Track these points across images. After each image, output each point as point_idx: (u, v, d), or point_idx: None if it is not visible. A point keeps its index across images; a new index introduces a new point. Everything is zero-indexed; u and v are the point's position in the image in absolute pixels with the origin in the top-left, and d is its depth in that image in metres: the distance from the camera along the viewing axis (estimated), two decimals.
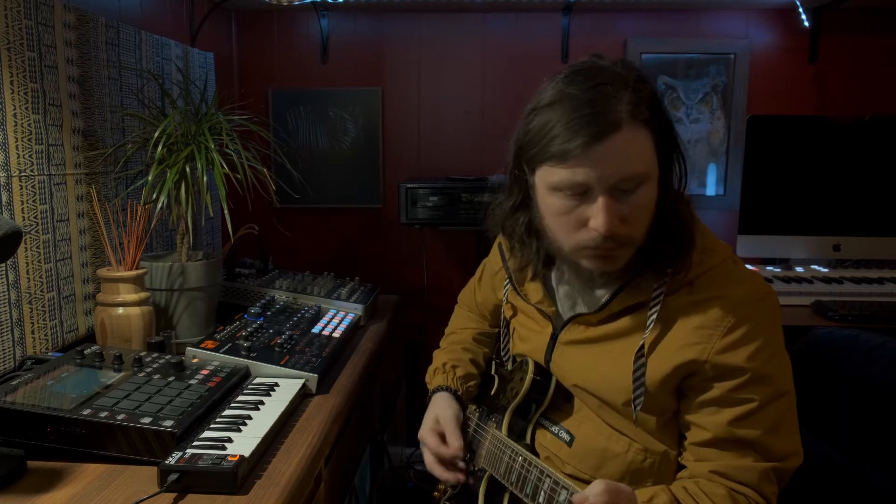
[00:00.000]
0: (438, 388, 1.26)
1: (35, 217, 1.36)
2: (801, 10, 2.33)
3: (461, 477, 1.16)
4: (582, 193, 0.92)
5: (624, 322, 1.02)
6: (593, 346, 1.05)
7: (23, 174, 1.32)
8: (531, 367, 1.13)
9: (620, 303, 1.02)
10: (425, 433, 1.19)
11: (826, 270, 2.29)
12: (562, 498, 0.94)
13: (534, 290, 1.16)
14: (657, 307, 0.98)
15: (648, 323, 0.98)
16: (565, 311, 1.12)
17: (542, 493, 0.99)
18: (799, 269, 2.31)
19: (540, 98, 0.96)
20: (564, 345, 1.09)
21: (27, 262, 1.34)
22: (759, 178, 2.28)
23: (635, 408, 0.98)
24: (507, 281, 1.21)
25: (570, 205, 0.94)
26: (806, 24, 2.38)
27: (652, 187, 0.95)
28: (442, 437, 1.17)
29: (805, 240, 2.31)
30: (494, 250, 1.30)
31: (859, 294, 2.08)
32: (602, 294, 1.05)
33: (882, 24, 2.46)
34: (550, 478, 0.98)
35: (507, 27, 2.53)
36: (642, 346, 0.98)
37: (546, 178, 0.95)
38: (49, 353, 1.37)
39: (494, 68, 2.55)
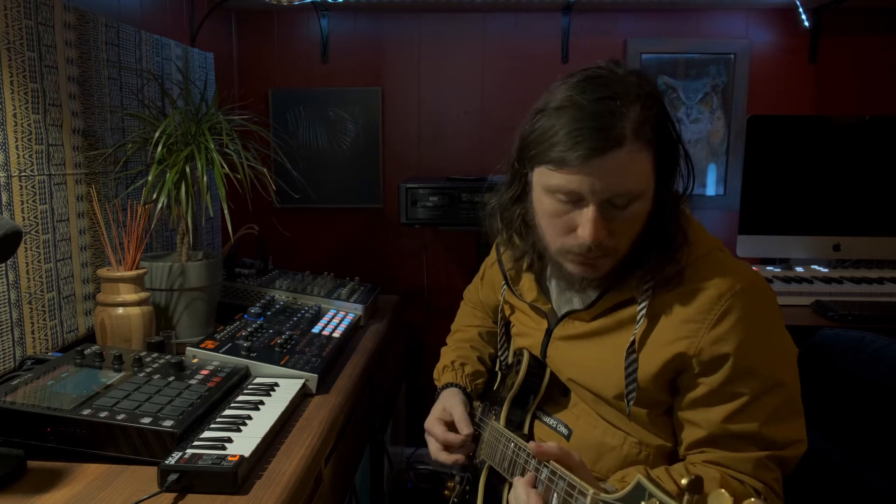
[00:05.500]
0: (448, 385, 1.28)
1: (35, 217, 1.36)
2: (801, 10, 2.32)
3: (465, 459, 1.19)
4: (575, 201, 0.94)
5: (616, 317, 1.03)
6: (587, 341, 1.06)
7: (23, 174, 1.32)
8: (526, 357, 1.15)
9: (610, 299, 1.03)
10: (432, 422, 1.21)
11: (826, 270, 2.29)
12: (542, 476, 0.93)
13: (528, 288, 1.17)
14: (646, 302, 0.98)
15: (638, 318, 0.99)
16: (560, 308, 1.14)
17: (528, 474, 0.99)
18: (799, 269, 2.31)
19: (549, 99, 0.96)
20: (559, 340, 1.11)
21: (27, 262, 1.34)
22: (758, 178, 2.28)
23: (628, 402, 0.99)
24: (504, 282, 1.22)
25: (562, 209, 0.96)
26: (806, 24, 2.38)
27: (645, 202, 0.96)
28: (448, 426, 1.19)
29: (805, 240, 2.30)
30: (493, 251, 1.31)
31: (859, 294, 2.08)
32: (592, 292, 1.06)
33: (882, 24, 2.46)
34: (535, 459, 0.99)
35: (507, 27, 2.53)
36: (633, 342, 0.99)
37: (543, 179, 0.97)
38: (49, 353, 1.37)
39: (494, 68, 2.55)
